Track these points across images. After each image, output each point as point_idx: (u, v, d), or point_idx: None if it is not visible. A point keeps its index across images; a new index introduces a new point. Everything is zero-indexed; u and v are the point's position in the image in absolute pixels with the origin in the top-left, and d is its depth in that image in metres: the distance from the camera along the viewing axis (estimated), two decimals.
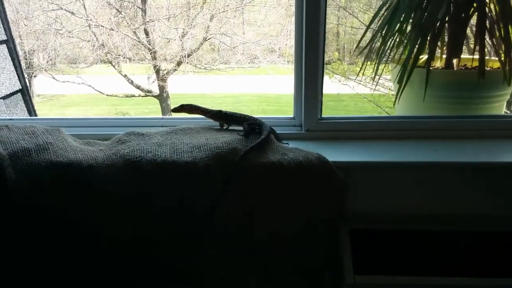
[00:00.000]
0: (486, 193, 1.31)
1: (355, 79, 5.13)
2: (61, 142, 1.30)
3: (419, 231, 1.33)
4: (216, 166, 1.22)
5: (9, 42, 1.71)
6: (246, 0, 6.84)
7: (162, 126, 1.45)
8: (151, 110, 6.72)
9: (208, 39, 6.87)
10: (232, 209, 1.24)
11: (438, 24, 1.45)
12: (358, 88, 5.52)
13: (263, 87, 7.47)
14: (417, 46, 1.44)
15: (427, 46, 1.47)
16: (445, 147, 1.35)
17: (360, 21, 5.63)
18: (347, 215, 1.29)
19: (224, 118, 1.42)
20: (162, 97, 6.78)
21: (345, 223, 1.30)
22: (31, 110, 1.82)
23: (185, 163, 1.22)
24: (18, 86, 1.78)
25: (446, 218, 1.33)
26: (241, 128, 1.37)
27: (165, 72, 6.74)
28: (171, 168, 1.22)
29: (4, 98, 1.69)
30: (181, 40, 6.61)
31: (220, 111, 1.42)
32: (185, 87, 7.06)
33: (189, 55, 6.66)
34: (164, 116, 1.52)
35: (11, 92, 1.74)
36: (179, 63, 6.72)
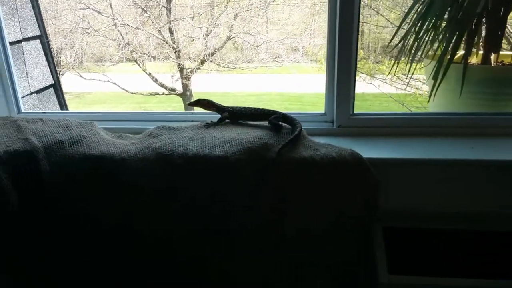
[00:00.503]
0: None
1: (387, 77, 5.04)
2: (94, 135, 1.31)
3: (454, 230, 1.29)
4: (247, 160, 1.21)
5: (43, 38, 1.74)
6: None
7: (192, 121, 1.44)
8: (175, 108, 6.78)
9: (232, 38, 6.89)
10: (263, 204, 1.22)
11: (475, 19, 1.40)
12: (383, 88, 5.43)
13: (286, 86, 7.43)
14: (453, 42, 1.39)
15: (463, 41, 1.42)
16: (483, 144, 1.31)
17: (386, 19, 5.53)
18: (380, 213, 1.25)
19: (239, 116, 1.40)
20: (185, 95, 6.84)
21: (377, 221, 1.27)
22: (63, 105, 1.85)
23: (217, 158, 1.21)
24: (50, 81, 1.81)
25: (484, 218, 1.28)
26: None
27: (188, 70, 6.79)
28: (202, 162, 1.21)
29: (37, 92, 1.72)
30: (205, 39, 6.64)
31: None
32: (208, 85, 7.09)
33: (212, 54, 6.69)
34: (194, 111, 1.52)
35: (44, 86, 1.77)
36: (202, 62, 6.76)
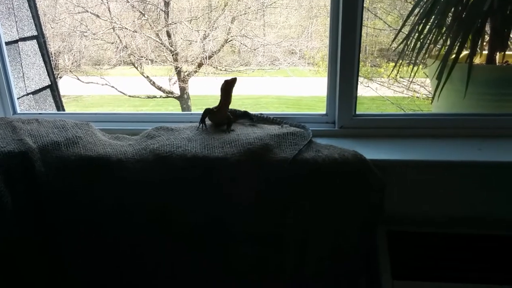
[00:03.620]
0: None
1: (385, 80, 5.03)
2: (90, 136, 1.28)
3: (460, 234, 1.26)
4: (247, 161, 1.18)
5: (39, 38, 1.71)
6: (267, 2, 6.84)
7: (190, 122, 1.41)
8: (172, 111, 6.76)
9: (229, 41, 6.88)
10: (264, 207, 1.19)
11: (481, 17, 1.38)
12: (380, 90, 5.43)
13: (283, 89, 7.43)
14: (459, 41, 1.37)
15: (468, 40, 1.40)
16: (490, 146, 1.28)
17: (384, 21, 5.54)
18: (384, 216, 1.22)
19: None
20: (182, 98, 6.82)
21: (382, 225, 1.24)
22: (59, 106, 1.82)
23: (216, 159, 1.18)
24: (47, 82, 1.77)
25: (492, 221, 1.25)
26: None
27: (186, 73, 6.78)
28: (201, 163, 1.18)
29: (33, 93, 1.69)
30: (202, 42, 6.64)
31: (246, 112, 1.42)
32: (205, 88, 7.08)
33: (210, 57, 6.68)
34: (193, 112, 1.49)
35: (41, 87, 1.74)
36: (200, 65, 6.75)
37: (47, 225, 1.22)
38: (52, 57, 5.72)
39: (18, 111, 1.53)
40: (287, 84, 7.35)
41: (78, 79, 6.06)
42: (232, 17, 6.68)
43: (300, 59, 7.05)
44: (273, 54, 6.97)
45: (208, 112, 1.34)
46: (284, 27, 7.06)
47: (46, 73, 1.74)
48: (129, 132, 1.39)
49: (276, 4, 6.89)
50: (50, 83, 1.77)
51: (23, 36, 1.65)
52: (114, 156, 1.22)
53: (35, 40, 1.72)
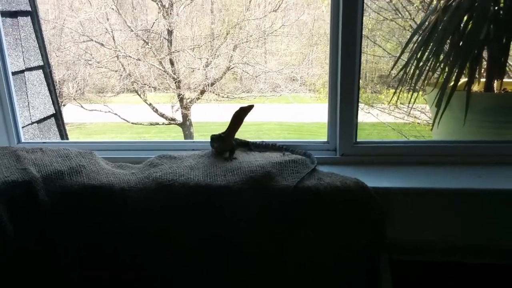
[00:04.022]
0: None
1: (386, 106, 5.07)
2: (93, 165, 1.29)
3: (462, 263, 1.25)
4: (250, 190, 1.18)
5: (45, 68, 1.75)
6: (268, 31, 6.97)
7: (193, 150, 1.43)
8: (174, 138, 6.79)
9: (231, 68, 6.98)
10: (266, 233, 1.19)
11: (478, 46, 1.41)
12: (381, 117, 5.46)
13: (285, 116, 7.48)
14: (456, 69, 1.40)
15: (466, 68, 1.42)
16: (490, 173, 1.28)
17: (383, 49, 5.63)
18: (387, 244, 1.22)
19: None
20: (185, 125, 6.87)
21: (384, 253, 1.23)
22: (63, 135, 1.84)
23: (219, 187, 1.18)
24: (52, 111, 1.80)
25: (492, 250, 1.24)
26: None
27: (188, 100, 6.85)
28: (204, 191, 1.19)
29: (38, 122, 1.72)
30: (205, 70, 6.73)
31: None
32: (208, 115, 7.13)
33: (212, 84, 6.76)
34: (195, 140, 1.50)
35: (45, 116, 1.76)
36: (202, 92, 6.83)
37: (50, 255, 1.21)
38: (56, 84, 5.81)
39: (23, 140, 1.54)
40: (289, 111, 7.41)
41: (82, 106, 6.13)
42: (234, 45, 6.80)
43: (301, 86, 7.12)
44: (275, 81, 7.05)
45: (215, 138, 1.34)
46: (285, 55, 7.17)
47: (51, 102, 1.78)
48: (133, 160, 1.40)
49: (277, 32, 7.02)
50: (54, 112, 1.80)
51: (30, 66, 1.69)
52: (117, 185, 1.22)
53: (41, 70, 1.76)
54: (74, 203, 1.21)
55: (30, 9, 1.74)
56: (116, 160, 1.39)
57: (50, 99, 1.77)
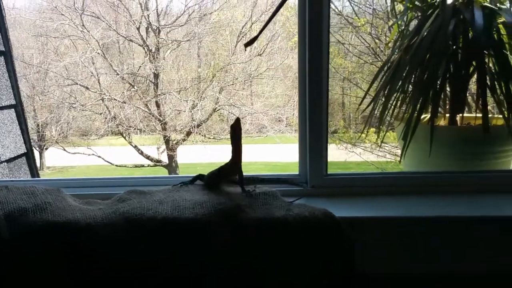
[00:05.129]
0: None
1: (368, 145, 5.14)
2: (60, 202, 1.27)
3: None
4: (218, 222, 1.17)
5: (17, 107, 1.76)
6: (254, 74, 7.14)
7: (165, 185, 1.42)
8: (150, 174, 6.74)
9: (217, 110, 7.07)
10: (235, 266, 1.17)
11: (439, 81, 1.47)
12: (365, 155, 5.54)
13: (271, 156, 7.52)
14: (419, 104, 1.44)
15: (429, 103, 1.47)
16: (454, 202, 1.31)
17: (363, 90, 5.80)
18: (357, 275, 1.20)
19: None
20: (171, 166, 6.84)
21: (355, 284, 1.21)
22: (34, 174, 1.82)
23: (186, 220, 1.17)
24: (23, 150, 1.79)
25: (459, 276, 1.24)
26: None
27: (174, 142, 6.86)
28: (172, 225, 1.17)
29: (8, 161, 1.70)
30: (191, 112, 6.80)
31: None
32: (194, 156, 7.13)
33: (198, 126, 6.81)
34: (167, 175, 1.50)
35: (16, 155, 1.75)
36: (188, 133, 6.86)
37: None
38: (39, 129, 5.78)
39: None
40: (275, 151, 7.46)
41: (65, 150, 6.09)
42: (220, 87, 6.93)
43: (287, 126, 7.22)
44: (261, 122, 7.14)
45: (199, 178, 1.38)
46: (271, 96, 7.31)
47: (23, 141, 1.77)
48: (103, 196, 1.38)
49: (262, 75, 7.19)
50: (26, 151, 1.79)
51: (1, 105, 1.70)
52: (83, 221, 1.20)
53: (13, 109, 1.76)
54: (37, 240, 1.18)
55: (3, 49, 1.77)
56: (85, 197, 1.37)
57: (22, 138, 1.77)
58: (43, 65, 5.80)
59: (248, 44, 1.39)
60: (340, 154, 5.35)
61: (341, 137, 5.58)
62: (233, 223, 1.18)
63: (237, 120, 1.31)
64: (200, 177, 1.40)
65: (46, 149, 6.03)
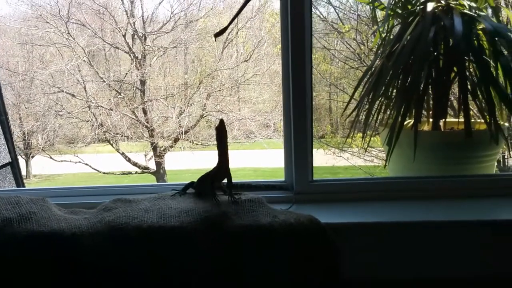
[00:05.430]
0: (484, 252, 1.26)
1: (355, 150, 5.17)
2: (45, 212, 1.26)
3: None
4: (204, 230, 1.17)
5: (1, 116, 1.74)
6: (241, 80, 7.15)
7: (150, 193, 1.42)
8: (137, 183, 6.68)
9: (205, 116, 7.06)
10: (221, 273, 1.17)
11: (422, 87, 1.49)
12: (352, 160, 5.57)
13: (259, 161, 7.51)
14: (402, 109, 1.47)
15: (412, 109, 1.49)
16: (439, 206, 1.33)
17: (349, 95, 5.84)
18: (342, 281, 1.21)
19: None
20: (159, 173, 6.79)
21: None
22: (19, 183, 1.80)
23: (172, 228, 1.17)
24: (8, 159, 1.77)
25: (443, 282, 1.26)
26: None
27: (162, 149, 6.82)
28: (157, 233, 1.17)
29: None
30: (178, 118, 6.78)
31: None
32: (182, 163, 7.09)
33: (186, 132, 6.79)
34: (154, 183, 1.50)
35: (0, 165, 1.73)
36: (176, 140, 6.83)
37: None
38: (25, 137, 5.71)
39: None
40: (263, 156, 7.46)
41: (51, 158, 6.02)
42: (207, 93, 6.92)
43: (275, 132, 7.23)
44: (248, 128, 7.14)
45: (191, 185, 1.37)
46: (258, 102, 7.32)
47: (7, 151, 1.75)
48: (88, 206, 1.37)
49: (249, 81, 7.20)
50: (10, 161, 1.77)
51: None
52: (68, 230, 1.19)
53: None
54: (23, 251, 1.17)
55: None
56: (70, 206, 1.36)
57: (6, 148, 1.75)
58: (28, 73, 5.74)
59: (218, 34, 1.41)
60: (328, 159, 5.38)
61: (328, 142, 5.62)
62: (218, 230, 1.19)
63: (221, 122, 1.30)
64: (191, 184, 1.40)
65: (33, 157, 5.95)
